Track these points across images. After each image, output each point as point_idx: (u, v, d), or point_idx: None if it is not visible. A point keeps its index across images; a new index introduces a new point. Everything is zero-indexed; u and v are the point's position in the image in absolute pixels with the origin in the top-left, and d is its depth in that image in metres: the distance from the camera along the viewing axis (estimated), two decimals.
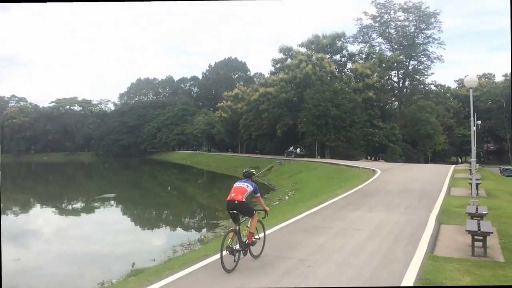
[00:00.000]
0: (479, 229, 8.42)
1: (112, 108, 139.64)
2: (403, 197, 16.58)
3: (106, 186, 48.10)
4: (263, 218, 8.46)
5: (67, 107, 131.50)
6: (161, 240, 19.05)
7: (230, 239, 7.32)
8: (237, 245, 7.54)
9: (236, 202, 7.48)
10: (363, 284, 6.59)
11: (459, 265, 7.62)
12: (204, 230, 19.29)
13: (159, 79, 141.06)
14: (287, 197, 25.85)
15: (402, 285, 6.51)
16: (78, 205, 33.19)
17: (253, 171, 8.23)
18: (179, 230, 21.60)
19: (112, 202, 32.95)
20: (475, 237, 8.41)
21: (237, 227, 7.58)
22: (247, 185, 7.70)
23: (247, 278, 6.95)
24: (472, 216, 10.39)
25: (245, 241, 7.66)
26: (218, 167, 65.22)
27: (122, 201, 33.70)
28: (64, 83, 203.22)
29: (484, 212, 10.49)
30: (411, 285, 6.49)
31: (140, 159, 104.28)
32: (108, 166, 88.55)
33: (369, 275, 6.99)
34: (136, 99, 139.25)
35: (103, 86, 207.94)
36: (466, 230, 8.58)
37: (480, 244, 8.41)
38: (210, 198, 36.14)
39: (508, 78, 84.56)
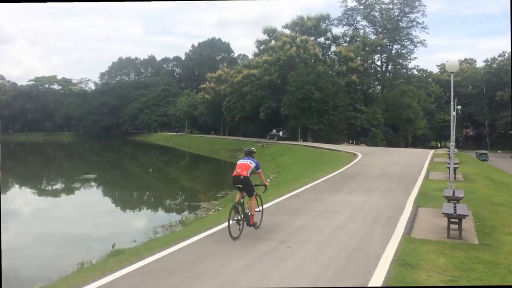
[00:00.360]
0: (455, 212, 8.60)
1: (93, 87, 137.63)
2: (382, 180, 16.82)
3: (87, 167, 47.66)
4: (263, 192, 9.26)
5: (46, 85, 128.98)
6: (142, 221, 19.03)
7: (235, 210, 8.16)
8: (242, 215, 8.29)
9: (241, 177, 8.35)
10: (340, 264, 6.69)
11: (434, 247, 7.80)
12: (185, 212, 19.30)
13: (141, 59, 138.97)
14: (269, 180, 25.98)
15: (378, 265, 6.63)
16: (58, 186, 32.85)
17: (254, 149, 9.05)
18: (161, 212, 21.58)
19: (93, 183, 32.67)
20: (451, 219, 8.59)
21: (241, 200, 8.41)
22: (250, 162, 8.55)
23: (227, 260, 6.99)
24: (449, 199, 10.61)
25: (248, 213, 8.44)
26: (200, 149, 65.07)
27: (102, 183, 33.46)
28: (44, 61, 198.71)
29: (460, 196, 10.72)
30: (387, 266, 6.61)
31: (121, 140, 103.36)
32: (88, 147, 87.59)
33: (346, 256, 7.10)
34: (117, 79, 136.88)
35: (83, 65, 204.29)
36: (443, 213, 8.76)
37: (456, 226, 8.61)
38: (192, 180, 36.12)
39: (489, 63, 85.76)
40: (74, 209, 22.66)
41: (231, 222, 8.00)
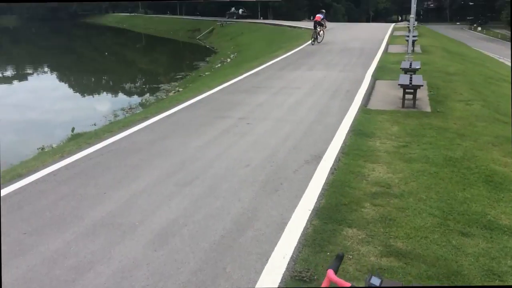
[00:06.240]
0: (410, 83, 8.78)
1: None
2: (342, 55, 16.77)
3: (37, 52, 45.07)
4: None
5: None
6: (101, 105, 18.65)
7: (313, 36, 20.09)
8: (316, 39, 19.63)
9: (318, 21, 20.85)
10: (299, 136, 6.86)
11: (389, 116, 8.07)
12: (146, 95, 18.97)
13: None
14: (228, 60, 25.49)
15: (335, 135, 6.84)
16: (9, 73, 31.20)
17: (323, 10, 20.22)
18: (120, 95, 21.11)
19: (46, 69, 31.22)
20: (406, 90, 8.80)
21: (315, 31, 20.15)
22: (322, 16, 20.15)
23: (187, 138, 7.03)
24: (406, 71, 10.75)
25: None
26: (157, 30, 62.08)
27: (57, 68, 31.97)
28: None
29: (417, 67, 10.85)
30: (344, 135, 6.84)
31: (70, 23, 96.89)
32: (36, 30, 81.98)
33: (304, 129, 7.27)
34: None
35: None
36: (399, 84, 8.93)
37: (411, 96, 8.85)
38: (151, 63, 35.00)
39: None
40: (30, 95, 21.83)
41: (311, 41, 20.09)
